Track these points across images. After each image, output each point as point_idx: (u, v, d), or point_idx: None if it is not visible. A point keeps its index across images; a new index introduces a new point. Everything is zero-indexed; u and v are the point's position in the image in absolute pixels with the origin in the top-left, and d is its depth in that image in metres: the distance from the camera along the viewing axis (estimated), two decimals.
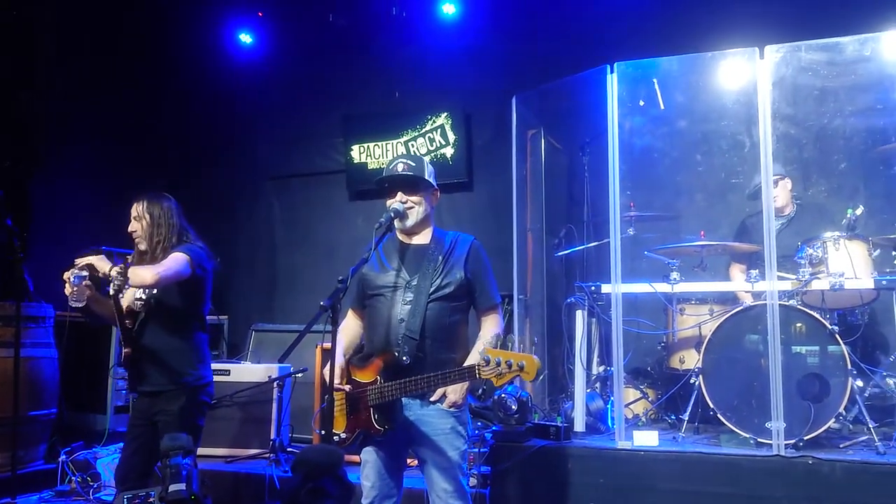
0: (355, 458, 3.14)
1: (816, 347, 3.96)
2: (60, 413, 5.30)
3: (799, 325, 4.00)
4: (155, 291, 3.60)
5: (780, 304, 3.95)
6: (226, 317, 6.88)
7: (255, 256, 7.46)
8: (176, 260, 3.52)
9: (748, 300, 4.39)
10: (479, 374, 2.66)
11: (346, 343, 3.18)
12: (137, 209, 3.67)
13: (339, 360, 3.04)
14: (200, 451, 4.91)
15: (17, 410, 4.56)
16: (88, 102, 6.58)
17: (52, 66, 6.42)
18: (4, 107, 6.08)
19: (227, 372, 5.25)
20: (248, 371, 5.26)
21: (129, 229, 3.68)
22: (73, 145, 6.51)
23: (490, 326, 3.11)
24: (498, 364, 2.58)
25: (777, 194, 4.77)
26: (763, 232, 4.01)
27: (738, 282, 4.40)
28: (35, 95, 6.31)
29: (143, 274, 3.39)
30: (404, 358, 2.94)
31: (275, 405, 5.12)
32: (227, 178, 7.59)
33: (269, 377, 5.13)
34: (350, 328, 3.25)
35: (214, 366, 5.29)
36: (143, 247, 3.66)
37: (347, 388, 3.00)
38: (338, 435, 3.04)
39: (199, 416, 3.67)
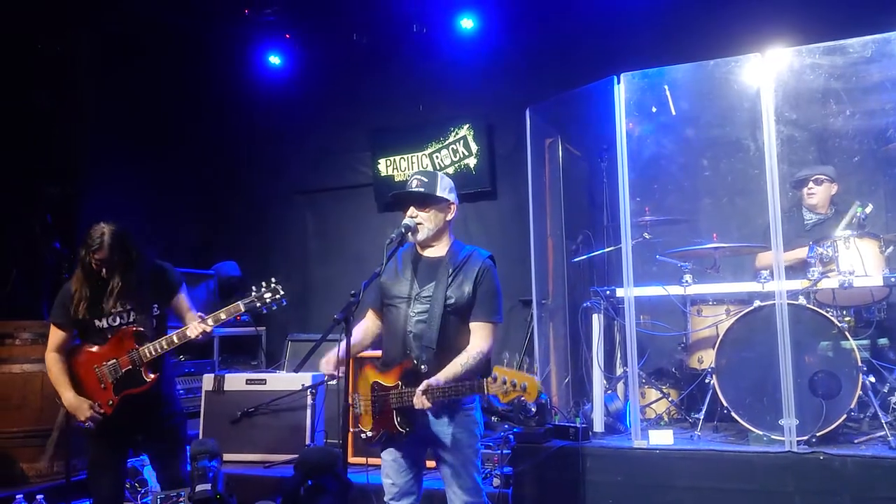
0: (378, 460, 3.34)
1: (826, 345, 4.01)
2: None
3: (809, 323, 4.05)
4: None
5: (789, 304, 4.01)
6: (263, 328, 7.16)
7: (289, 268, 7.66)
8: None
9: None
10: (487, 389, 2.84)
11: (357, 339, 3.31)
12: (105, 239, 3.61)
13: (341, 350, 3.10)
14: (240, 457, 5.20)
15: (69, 422, 4.84)
16: (129, 126, 6.86)
17: (95, 93, 6.70)
18: (51, 134, 6.34)
19: (263, 381, 5.52)
20: (282, 380, 5.49)
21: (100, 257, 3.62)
22: (115, 168, 6.77)
23: (478, 341, 3.15)
24: (504, 382, 2.81)
25: (815, 191, 4.85)
26: (795, 227, 4.00)
27: (749, 282, 4.45)
28: (79, 122, 6.58)
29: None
30: (423, 367, 3.09)
31: (308, 412, 5.36)
32: (262, 194, 7.87)
33: (302, 385, 5.36)
34: (364, 327, 3.41)
35: (252, 375, 5.60)
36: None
37: (337, 372, 3.17)
38: (364, 432, 3.23)
39: None
